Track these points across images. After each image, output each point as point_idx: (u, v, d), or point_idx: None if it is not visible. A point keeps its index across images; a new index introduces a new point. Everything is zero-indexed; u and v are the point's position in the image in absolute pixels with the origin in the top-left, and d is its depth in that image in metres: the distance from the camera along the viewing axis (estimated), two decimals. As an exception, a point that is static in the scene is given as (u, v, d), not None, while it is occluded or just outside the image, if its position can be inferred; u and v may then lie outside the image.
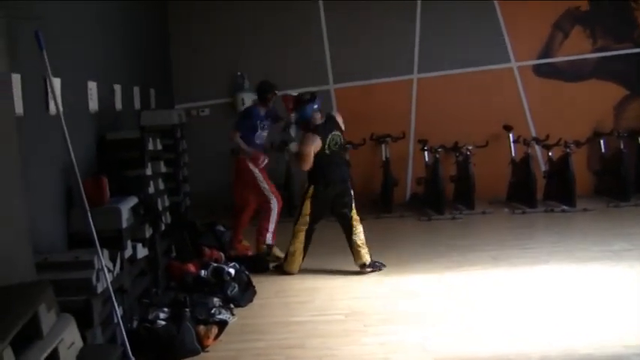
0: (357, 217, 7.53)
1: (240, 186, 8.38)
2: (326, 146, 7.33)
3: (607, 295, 6.27)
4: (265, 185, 8.20)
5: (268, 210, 8.16)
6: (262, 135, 8.32)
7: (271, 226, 8.11)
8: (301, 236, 7.45)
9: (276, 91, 8.33)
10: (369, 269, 7.40)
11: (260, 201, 8.27)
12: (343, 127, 7.57)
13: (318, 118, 7.42)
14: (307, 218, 7.43)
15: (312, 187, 7.42)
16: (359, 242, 7.42)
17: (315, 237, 7.73)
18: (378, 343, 5.32)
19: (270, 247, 8.09)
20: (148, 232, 6.16)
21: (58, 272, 4.40)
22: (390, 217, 10.41)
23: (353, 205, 7.52)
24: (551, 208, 10.44)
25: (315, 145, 7.27)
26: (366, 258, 7.42)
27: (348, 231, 7.47)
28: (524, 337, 5.29)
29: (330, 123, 7.45)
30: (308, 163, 7.30)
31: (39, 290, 3.57)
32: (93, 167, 6.14)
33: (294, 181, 10.18)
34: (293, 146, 7.94)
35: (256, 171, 8.18)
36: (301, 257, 7.50)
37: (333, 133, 7.40)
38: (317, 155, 7.30)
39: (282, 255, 7.79)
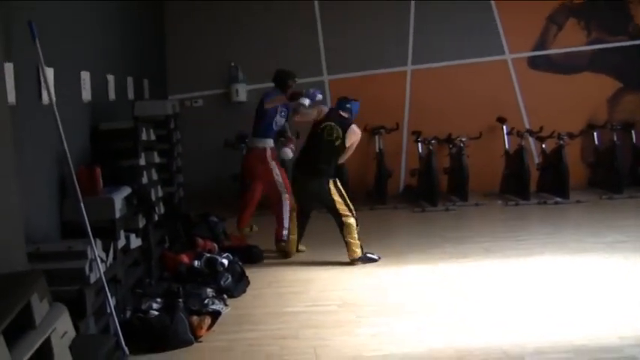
0: (348, 213, 7.49)
1: (250, 178, 8.31)
2: (322, 125, 7.50)
3: (601, 286, 6.29)
4: (280, 179, 8.14)
5: (280, 206, 8.06)
6: (280, 121, 8.32)
7: (286, 222, 8.00)
8: (293, 217, 7.81)
9: (296, 78, 8.33)
10: (358, 262, 7.42)
11: (271, 194, 8.20)
12: (350, 141, 7.61)
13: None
14: (294, 198, 7.82)
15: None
16: (348, 237, 7.44)
17: (309, 229, 7.82)
18: (371, 334, 5.32)
19: (284, 241, 7.97)
20: (142, 223, 6.15)
21: (50, 262, 4.38)
22: (383, 209, 10.42)
23: (335, 200, 7.48)
24: (544, 200, 10.46)
25: (319, 109, 7.65)
26: (357, 252, 7.44)
27: (339, 225, 7.52)
28: (518, 328, 5.30)
29: (343, 120, 7.60)
30: (302, 115, 7.68)
31: (31, 280, 3.55)
32: (86, 157, 6.11)
33: (288, 176, 10.11)
34: (305, 101, 7.88)
35: (273, 163, 8.15)
36: (295, 238, 7.78)
37: (335, 124, 7.51)
38: (310, 134, 7.62)
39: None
